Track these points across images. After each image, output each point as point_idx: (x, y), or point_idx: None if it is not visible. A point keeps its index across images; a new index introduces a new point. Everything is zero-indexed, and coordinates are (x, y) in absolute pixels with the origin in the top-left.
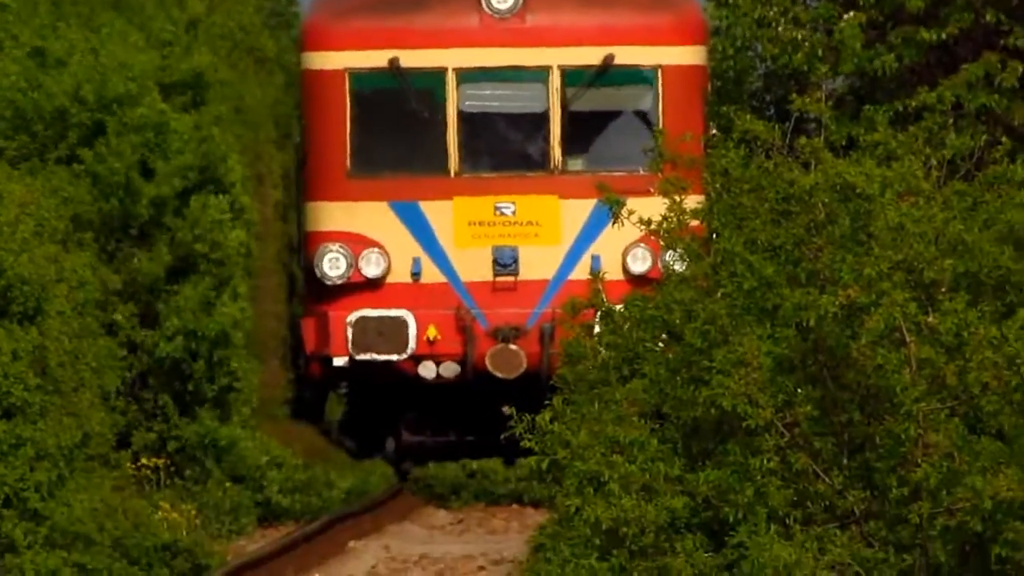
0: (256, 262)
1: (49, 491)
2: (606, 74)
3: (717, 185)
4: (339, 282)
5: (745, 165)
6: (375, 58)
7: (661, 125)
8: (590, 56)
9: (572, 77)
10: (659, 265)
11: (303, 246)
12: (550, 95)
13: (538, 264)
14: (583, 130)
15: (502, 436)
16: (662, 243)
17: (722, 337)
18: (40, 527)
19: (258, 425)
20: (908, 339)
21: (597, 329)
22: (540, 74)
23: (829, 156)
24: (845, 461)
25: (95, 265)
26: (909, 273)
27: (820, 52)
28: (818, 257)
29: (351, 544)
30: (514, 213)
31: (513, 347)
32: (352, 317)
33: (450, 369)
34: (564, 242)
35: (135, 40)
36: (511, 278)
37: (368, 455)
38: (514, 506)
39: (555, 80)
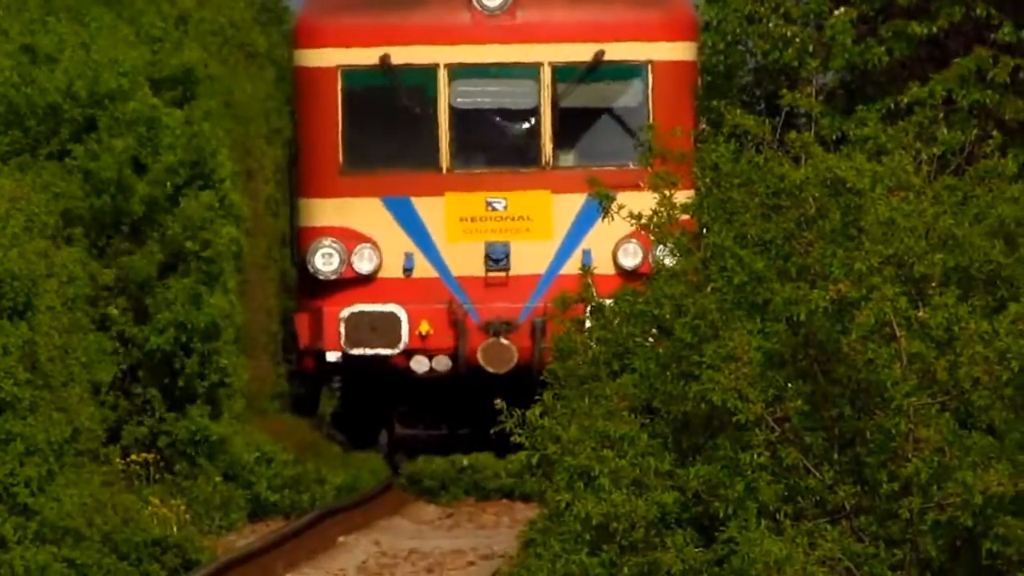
0: (246, 258)
1: (39, 486)
2: (597, 70)
3: (707, 180)
4: (332, 277)
5: (735, 160)
6: (367, 55)
7: (651, 120)
8: (581, 52)
9: (563, 73)
10: (650, 259)
11: (296, 242)
12: (541, 91)
13: (530, 259)
14: (574, 126)
15: (492, 431)
16: (652, 238)
17: (712, 332)
18: (30, 522)
19: (248, 420)
20: (899, 334)
21: (588, 324)
22: (531, 70)
23: (819, 151)
24: (835, 456)
25: (85, 260)
26: (899, 267)
27: (811, 47)
28: (808, 252)
29: (341, 539)
30: (505, 208)
31: (505, 341)
32: (345, 312)
33: (442, 363)
34: (555, 237)
35: (125, 35)
36: (503, 273)
37: (361, 448)
38: (504, 501)
39: (546, 76)
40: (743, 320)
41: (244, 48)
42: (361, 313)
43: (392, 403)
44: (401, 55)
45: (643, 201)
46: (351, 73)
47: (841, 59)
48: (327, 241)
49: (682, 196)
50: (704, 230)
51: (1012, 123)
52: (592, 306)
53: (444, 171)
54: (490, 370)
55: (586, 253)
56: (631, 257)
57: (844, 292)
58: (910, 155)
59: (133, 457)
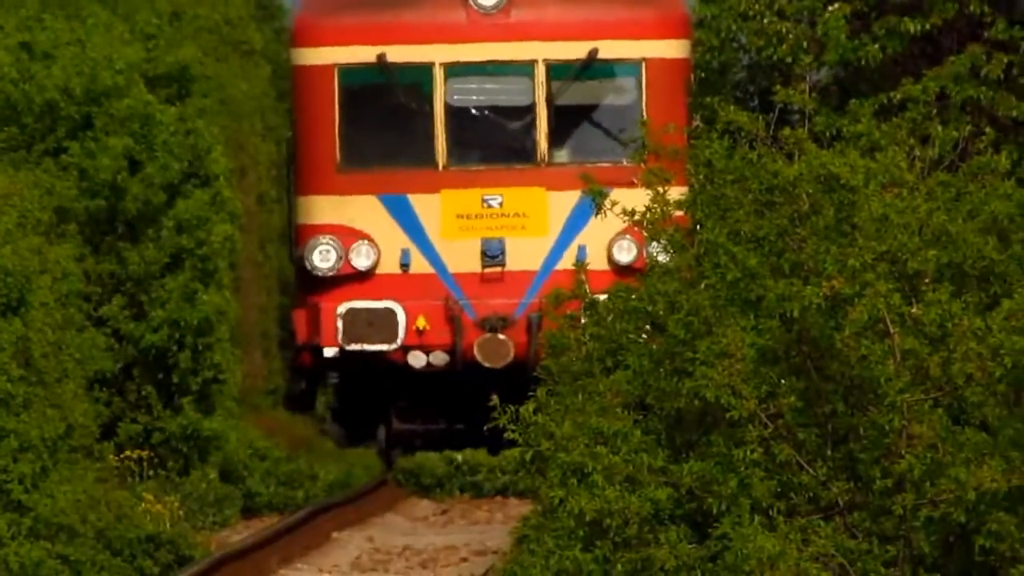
0: (240, 254)
1: (33, 482)
2: (591, 68)
3: (700, 176)
4: (329, 274)
5: (729, 156)
6: (363, 53)
7: (645, 117)
8: (575, 50)
9: (557, 71)
10: (644, 255)
11: (294, 238)
12: (536, 89)
13: (525, 255)
14: (569, 123)
15: (485, 427)
16: (646, 234)
17: (705, 328)
18: (24, 518)
19: (242, 416)
20: (892, 330)
21: (584, 320)
22: (526, 68)
23: (813, 147)
24: (829, 452)
25: (79, 256)
26: (893, 264)
27: (805, 44)
28: (802, 248)
29: (334, 535)
30: (501, 205)
31: (501, 337)
32: (342, 308)
33: (439, 358)
34: (551, 233)
35: (120, 32)
36: (499, 269)
37: (360, 443)
38: (498, 497)
39: (540, 74)
40: (736, 316)
41: (240, 46)
42: (358, 309)
43: (389, 398)
44: (397, 54)
45: (637, 197)
46: (348, 71)
47: (835, 54)
48: (324, 238)
49: (676, 193)
50: (698, 226)
51: (1005, 119)
52: (585, 303)
53: (440, 168)
54: (487, 365)
55: (581, 249)
56: (626, 253)
57: (837, 288)
58: (903, 151)
59: (127, 453)
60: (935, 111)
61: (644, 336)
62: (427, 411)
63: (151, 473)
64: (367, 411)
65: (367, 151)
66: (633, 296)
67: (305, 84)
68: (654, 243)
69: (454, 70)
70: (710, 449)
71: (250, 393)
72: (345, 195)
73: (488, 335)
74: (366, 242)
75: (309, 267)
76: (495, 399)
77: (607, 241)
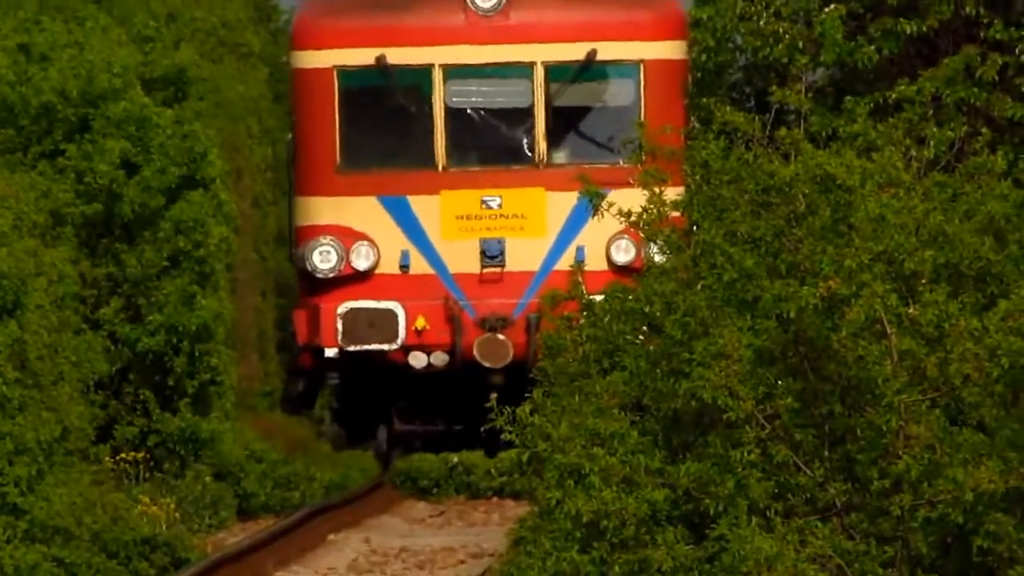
0: (236, 257)
1: (28, 485)
2: (589, 69)
3: (697, 177)
4: (330, 275)
5: (725, 157)
6: (363, 56)
7: (643, 118)
8: (573, 52)
9: (556, 72)
10: (643, 255)
11: (294, 240)
12: (534, 90)
13: (524, 255)
14: (567, 124)
15: (482, 428)
16: (643, 234)
17: (702, 329)
18: (19, 521)
19: (238, 418)
20: (889, 331)
21: (582, 321)
22: (524, 70)
23: (809, 147)
24: (826, 453)
25: (75, 259)
26: (889, 264)
27: (801, 44)
28: (798, 248)
29: (331, 537)
30: (500, 206)
31: (500, 337)
32: (342, 309)
33: (439, 359)
34: (549, 234)
35: (117, 35)
36: (498, 269)
37: (360, 444)
38: (495, 499)
39: (539, 75)
40: (733, 317)
41: (237, 48)
42: (359, 309)
43: (390, 399)
44: (397, 56)
45: (634, 198)
46: (348, 73)
47: (831, 54)
48: (325, 239)
49: (672, 193)
50: (694, 227)
51: (1001, 120)
52: (582, 303)
53: (440, 170)
54: (486, 365)
55: (580, 249)
56: (624, 253)
57: (834, 289)
58: (900, 152)
59: (123, 456)
60: (931, 112)
61: (641, 337)
62: (428, 411)
63: (147, 475)
64: (368, 411)
65: (367, 153)
66: (630, 297)
67: (305, 86)
68: (652, 243)
69: (453, 72)
70: (707, 450)
71: (247, 395)
72: (345, 196)
73: (487, 335)
74: (366, 243)
75: (309, 268)
76: (492, 400)
77: (606, 241)
